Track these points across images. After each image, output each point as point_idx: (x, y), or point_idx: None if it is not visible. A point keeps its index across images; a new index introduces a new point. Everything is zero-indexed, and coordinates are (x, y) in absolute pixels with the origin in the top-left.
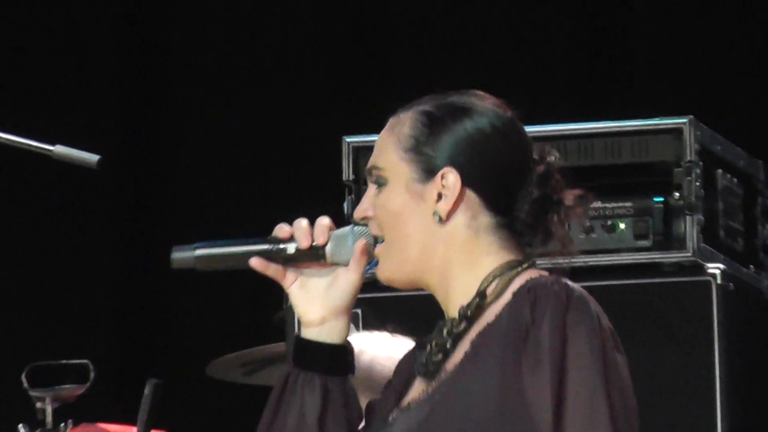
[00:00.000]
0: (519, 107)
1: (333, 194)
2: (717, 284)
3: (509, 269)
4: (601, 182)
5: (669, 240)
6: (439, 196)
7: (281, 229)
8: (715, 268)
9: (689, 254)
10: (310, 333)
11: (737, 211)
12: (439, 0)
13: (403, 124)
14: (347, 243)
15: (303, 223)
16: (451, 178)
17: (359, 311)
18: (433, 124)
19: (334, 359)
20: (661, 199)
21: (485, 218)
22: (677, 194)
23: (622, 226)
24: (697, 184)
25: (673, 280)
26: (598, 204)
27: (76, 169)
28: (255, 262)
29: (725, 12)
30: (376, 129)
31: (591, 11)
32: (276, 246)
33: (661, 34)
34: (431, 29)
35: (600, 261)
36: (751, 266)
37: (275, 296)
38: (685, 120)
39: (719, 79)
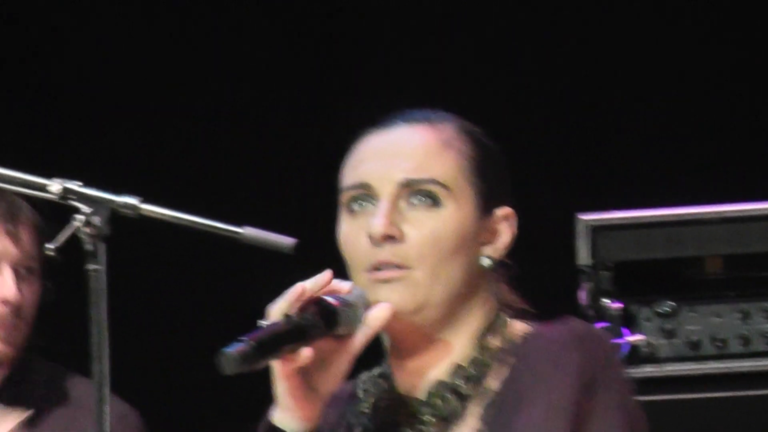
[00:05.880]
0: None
1: None
2: None
3: (498, 324)
4: None
5: None
6: (490, 237)
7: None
8: None
9: None
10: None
11: None
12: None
13: (459, 140)
14: (358, 307)
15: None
16: (513, 220)
17: None
18: (488, 151)
19: None
20: None
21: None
22: None
23: None
24: None
25: None
26: None
27: None
28: (308, 352)
29: None
30: None
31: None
32: (316, 321)
33: None
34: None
35: None
36: None
37: None
38: None
39: None
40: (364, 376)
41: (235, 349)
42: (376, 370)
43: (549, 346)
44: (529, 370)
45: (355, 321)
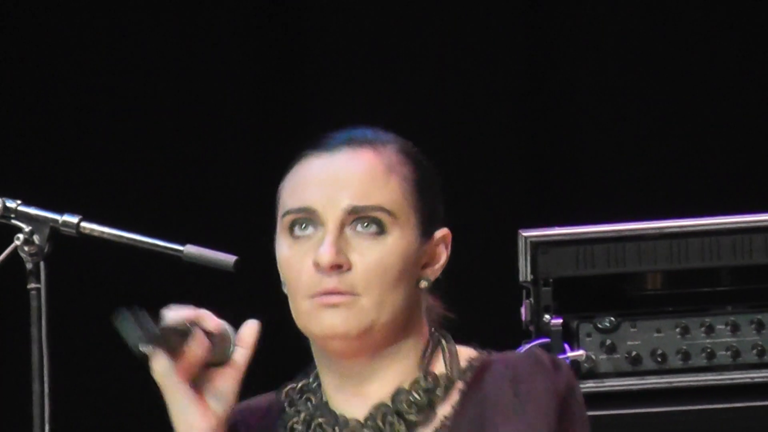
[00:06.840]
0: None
1: None
2: None
3: (440, 348)
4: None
5: None
6: (430, 259)
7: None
8: None
9: None
10: None
11: None
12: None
13: (401, 164)
14: (228, 335)
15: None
16: (449, 241)
17: None
18: (427, 172)
19: None
20: None
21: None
22: None
23: None
24: None
25: None
26: None
27: None
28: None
29: None
30: None
31: None
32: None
33: None
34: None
35: None
36: None
37: None
38: None
39: None
40: (288, 387)
41: (130, 316)
42: (299, 382)
43: (515, 374)
44: (490, 398)
45: (226, 348)
